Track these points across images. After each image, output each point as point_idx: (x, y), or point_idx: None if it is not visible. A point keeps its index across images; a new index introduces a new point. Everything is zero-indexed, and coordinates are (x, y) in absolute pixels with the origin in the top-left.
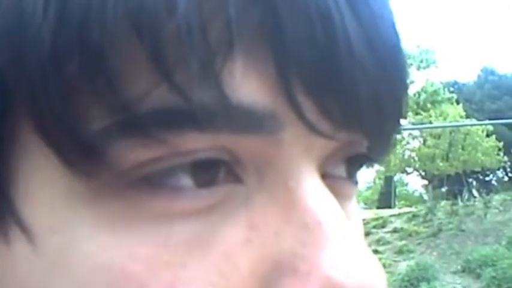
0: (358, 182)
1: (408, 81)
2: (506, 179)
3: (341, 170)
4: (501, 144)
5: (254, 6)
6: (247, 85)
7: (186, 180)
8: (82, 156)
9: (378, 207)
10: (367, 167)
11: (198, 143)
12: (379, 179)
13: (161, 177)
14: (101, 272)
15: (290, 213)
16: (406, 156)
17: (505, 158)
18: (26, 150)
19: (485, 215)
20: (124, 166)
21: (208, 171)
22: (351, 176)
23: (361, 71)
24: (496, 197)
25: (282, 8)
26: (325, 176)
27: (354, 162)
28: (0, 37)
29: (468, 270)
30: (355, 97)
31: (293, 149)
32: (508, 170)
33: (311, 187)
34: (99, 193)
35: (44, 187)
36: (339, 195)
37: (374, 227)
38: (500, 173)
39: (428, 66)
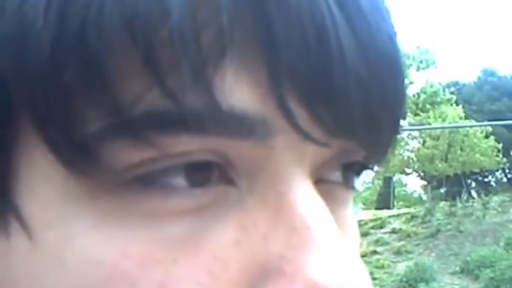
0: (355, 187)
1: (406, 89)
2: (505, 180)
3: (337, 176)
4: (500, 145)
5: (247, 14)
6: (239, 91)
7: (180, 180)
8: (77, 156)
9: (377, 208)
10: (367, 170)
11: (190, 146)
12: (378, 179)
13: (155, 177)
14: (94, 267)
15: (279, 216)
16: (405, 157)
17: (504, 160)
18: (26, 148)
19: (484, 216)
20: (117, 166)
21: (202, 172)
22: (348, 182)
23: (354, 81)
24: (495, 198)
25: (275, 16)
26: (320, 181)
27: (351, 169)
28: (3, 43)
29: (466, 271)
30: (347, 106)
31: (285, 155)
32: (507, 171)
33: (301, 192)
34: (93, 191)
35: (42, 184)
36: (333, 200)
37: (372, 227)
38: (499, 174)
39: (427, 67)
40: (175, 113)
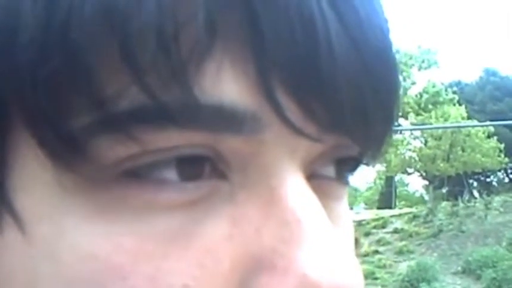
0: (349, 182)
1: (400, 84)
2: (506, 180)
3: (330, 171)
4: (502, 145)
5: (233, 6)
6: (226, 86)
7: (171, 174)
8: (64, 150)
9: (379, 208)
10: (364, 165)
11: (176, 141)
12: (380, 179)
13: (145, 171)
14: (86, 261)
15: (271, 210)
16: (407, 157)
17: (506, 160)
18: (17, 143)
19: (486, 216)
20: (105, 161)
21: (193, 166)
22: (341, 177)
23: (344, 74)
24: (497, 198)
25: (261, 8)
26: (313, 176)
27: (344, 164)
28: None
29: (468, 271)
30: (338, 100)
31: (276, 150)
32: (509, 171)
33: (293, 186)
34: (84, 185)
35: (34, 178)
36: (327, 195)
37: (374, 227)
38: (501, 174)
39: (429, 67)
40: (155, 109)
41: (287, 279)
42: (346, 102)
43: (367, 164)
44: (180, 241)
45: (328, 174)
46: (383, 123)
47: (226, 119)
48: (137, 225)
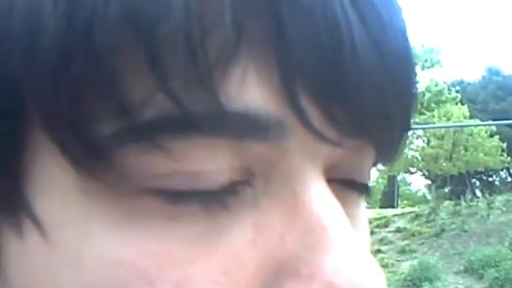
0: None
1: (416, 87)
2: (509, 179)
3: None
4: (504, 144)
5: (258, 12)
6: (251, 93)
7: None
8: (88, 157)
9: (381, 207)
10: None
11: (201, 152)
12: (382, 178)
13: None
14: (111, 267)
15: (295, 216)
16: (409, 156)
17: (509, 159)
18: (37, 148)
19: (488, 215)
20: (130, 169)
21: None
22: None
23: (367, 78)
24: (499, 197)
25: (286, 14)
26: (331, 181)
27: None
28: (12, 42)
29: (471, 270)
30: (361, 104)
31: (299, 155)
32: (511, 170)
33: (316, 192)
34: (108, 192)
35: (54, 183)
36: (345, 199)
37: (377, 226)
38: (503, 174)
39: (432, 65)
40: (182, 118)
41: (312, 286)
42: (368, 106)
43: (383, 165)
44: (206, 247)
45: (346, 177)
46: (402, 126)
47: (251, 126)
48: (163, 231)
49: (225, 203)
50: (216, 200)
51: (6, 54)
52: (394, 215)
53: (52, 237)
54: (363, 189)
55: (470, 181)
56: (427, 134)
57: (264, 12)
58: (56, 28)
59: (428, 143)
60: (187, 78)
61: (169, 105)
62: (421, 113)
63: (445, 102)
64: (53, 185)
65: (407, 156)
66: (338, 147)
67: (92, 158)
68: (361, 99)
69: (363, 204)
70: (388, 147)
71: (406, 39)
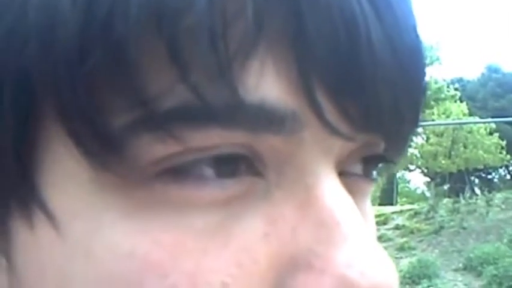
0: (375, 179)
1: (426, 83)
2: (508, 177)
3: (358, 168)
4: (504, 142)
5: (277, 7)
6: (268, 85)
7: (209, 171)
8: (102, 149)
9: (380, 204)
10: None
11: (217, 140)
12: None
13: (185, 168)
14: (123, 259)
15: (307, 209)
16: (408, 154)
17: (508, 156)
18: (50, 140)
19: (487, 213)
20: (144, 160)
21: (229, 164)
22: (368, 174)
23: (382, 74)
24: (498, 195)
25: (305, 9)
26: (342, 174)
27: (371, 162)
28: (30, 34)
29: (469, 267)
30: (375, 100)
31: (313, 149)
32: (510, 168)
33: (329, 185)
34: (121, 183)
35: (67, 175)
36: (355, 192)
37: (376, 223)
38: (502, 171)
39: (432, 63)
40: (200, 108)
41: (324, 279)
42: (382, 102)
43: (391, 162)
44: (219, 238)
45: (356, 171)
46: (413, 120)
47: (267, 119)
48: (176, 222)
49: (236, 193)
50: (227, 190)
51: (20, 47)
52: (393, 213)
53: (63, 229)
54: (372, 181)
55: (469, 178)
56: (426, 132)
57: (284, 6)
58: (74, 20)
59: (427, 141)
60: (208, 71)
61: (188, 95)
62: None
63: (444, 99)
64: (65, 177)
65: (406, 153)
66: (350, 142)
67: (105, 150)
68: (375, 95)
69: (370, 196)
70: (398, 142)
71: (417, 36)
